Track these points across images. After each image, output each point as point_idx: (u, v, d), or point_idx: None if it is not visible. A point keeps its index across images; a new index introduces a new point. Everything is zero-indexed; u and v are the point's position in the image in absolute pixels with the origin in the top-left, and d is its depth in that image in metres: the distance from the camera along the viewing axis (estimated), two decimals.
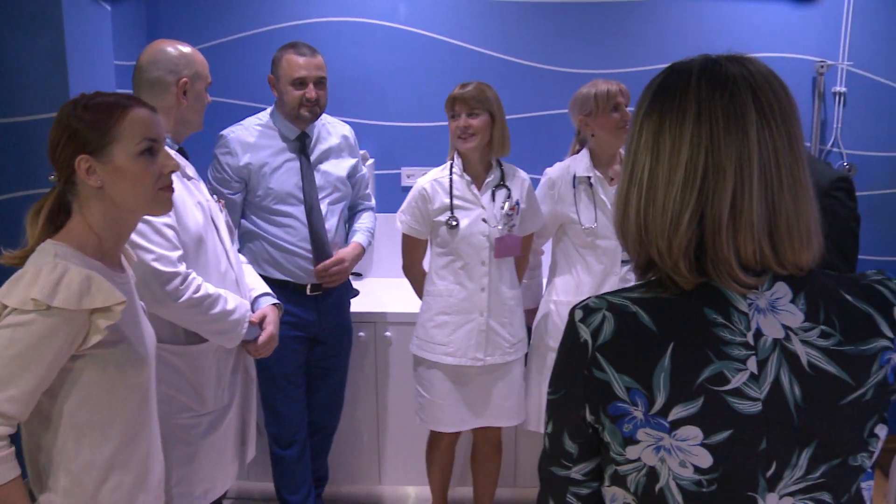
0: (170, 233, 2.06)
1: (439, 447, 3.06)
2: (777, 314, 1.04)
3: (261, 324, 2.34)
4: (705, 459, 1.01)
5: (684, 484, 1.02)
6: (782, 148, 1.02)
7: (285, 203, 2.85)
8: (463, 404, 2.89)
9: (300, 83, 2.80)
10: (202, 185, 2.33)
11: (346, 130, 3.12)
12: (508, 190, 2.85)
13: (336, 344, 3.10)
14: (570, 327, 1.07)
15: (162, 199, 1.64)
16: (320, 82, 2.85)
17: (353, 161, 3.08)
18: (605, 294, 1.08)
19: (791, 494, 1.04)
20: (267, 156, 2.84)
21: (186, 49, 2.29)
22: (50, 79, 2.67)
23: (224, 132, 2.89)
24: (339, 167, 3.01)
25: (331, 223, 2.95)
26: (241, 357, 2.33)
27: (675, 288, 1.05)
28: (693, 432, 1.01)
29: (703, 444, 1.01)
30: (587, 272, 2.88)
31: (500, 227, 2.80)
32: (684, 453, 1.01)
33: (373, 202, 3.27)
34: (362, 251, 3.08)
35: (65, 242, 1.52)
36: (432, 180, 2.84)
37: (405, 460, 3.42)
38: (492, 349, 2.83)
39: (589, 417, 1.07)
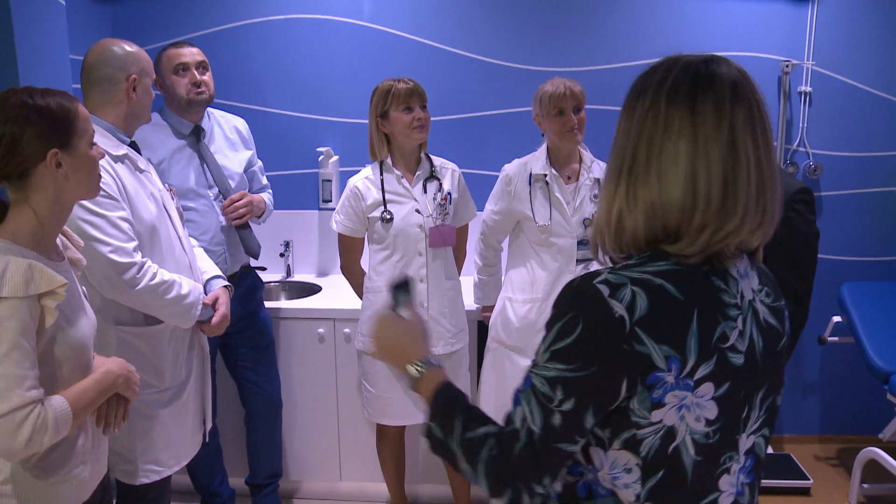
0: (125, 225, 2.20)
1: (387, 437, 3.11)
2: (748, 279, 1.20)
3: (214, 305, 2.48)
4: (712, 411, 1.12)
5: (697, 437, 1.12)
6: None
7: (185, 198, 2.88)
8: (408, 397, 2.91)
9: (183, 69, 2.87)
10: (153, 176, 2.44)
11: (239, 123, 3.17)
12: (439, 181, 2.90)
13: (252, 334, 3.13)
14: (598, 302, 1.08)
15: (99, 184, 1.81)
16: (202, 66, 2.92)
17: (248, 153, 3.15)
18: (613, 269, 1.13)
19: (753, 433, 1.20)
20: (164, 153, 2.88)
21: (132, 48, 2.38)
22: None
23: None
24: (234, 161, 3.06)
25: None
26: (195, 335, 2.49)
27: (680, 260, 1.13)
28: (708, 388, 1.11)
29: (712, 398, 1.12)
30: (542, 269, 2.88)
31: (434, 218, 2.84)
32: (700, 409, 1.11)
33: (270, 192, 3.30)
34: (265, 204, 3.14)
35: (0, 237, 1.62)
36: (364, 178, 2.88)
37: (365, 456, 3.42)
38: (435, 340, 2.87)
39: (622, 391, 1.09)
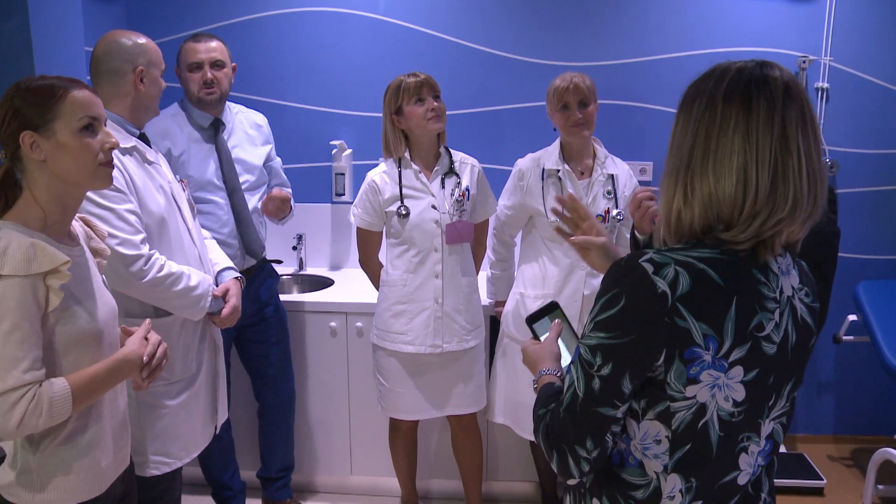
0: (132, 217, 2.20)
1: (399, 431, 3.11)
2: (789, 277, 1.29)
3: (224, 297, 2.49)
4: (740, 394, 1.23)
5: (723, 415, 1.23)
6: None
7: (205, 190, 2.90)
8: (421, 392, 2.92)
9: (197, 67, 2.89)
10: (163, 168, 2.44)
11: (260, 118, 3.19)
12: (458, 177, 2.87)
13: (266, 327, 3.14)
14: (642, 278, 1.18)
15: (102, 174, 1.74)
16: (217, 65, 2.92)
17: (267, 148, 3.17)
18: (659, 251, 1.23)
19: (774, 419, 1.30)
20: (183, 143, 2.90)
21: (141, 39, 2.38)
22: (16, 63, 2.67)
23: None
24: (253, 154, 3.08)
25: (250, 209, 3.03)
26: (207, 328, 2.49)
27: (727, 249, 1.23)
28: (738, 371, 1.22)
29: (741, 381, 1.22)
30: (554, 264, 2.87)
31: (450, 214, 2.82)
32: (730, 389, 1.22)
33: (289, 188, 3.32)
34: (289, 196, 3.19)
35: (8, 220, 1.64)
36: (381, 172, 2.87)
37: (376, 451, 3.42)
38: (448, 336, 2.86)
39: (659, 360, 1.20)
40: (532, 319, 1.61)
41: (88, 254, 1.81)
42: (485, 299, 3.13)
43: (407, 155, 2.85)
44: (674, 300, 1.17)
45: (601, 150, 2.89)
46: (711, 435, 1.23)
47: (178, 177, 2.53)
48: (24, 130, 1.62)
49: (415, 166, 2.84)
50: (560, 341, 1.53)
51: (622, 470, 1.30)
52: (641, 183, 3.14)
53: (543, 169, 2.87)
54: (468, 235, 2.88)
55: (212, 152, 2.93)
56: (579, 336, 1.35)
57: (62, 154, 1.65)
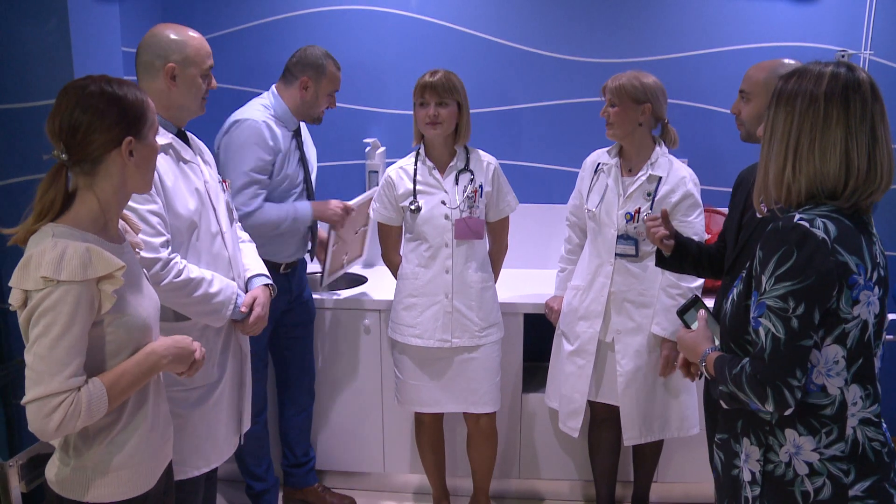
0: (154, 220, 2.14)
1: (423, 426, 3.14)
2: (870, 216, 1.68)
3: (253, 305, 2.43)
4: (877, 308, 1.59)
5: (873, 327, 1.58)
6: None
7: (295, 187, 3.05)
8: (434, 385, 2.96)
9: (335, 92, 3.09)
10: (201, 168, 2.37)
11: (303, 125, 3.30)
12: (472, 174, 2.89)
13: (302, 312, 3.24)
14: (804, 233, 1.51)
15: (151, 179, 1.83)
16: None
17: (314, 151, 3.35)
18: (803, 211, 1.56)
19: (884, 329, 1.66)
20: (283, 146, 2.98)
21: (185, 34, 2.30)
22: (55, 65, 2.72)
23: (251, 121, 2.88)
24: (314, 156, 3.28)
25: None
26: (232, 335, 2.41)
27: (840, 209, 1.58)
28: (877, 290, 1.58)
29: (878, 298, 1.58)
30: (588, 257, 2.94)
31: (461, 210, 2.85)
32: (873, 305, 1.57)
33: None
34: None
35: (62, 223, 1.65)
36: (398, 168, 2.95)
37: (409, 448, 3.43)
38: (459, 331, 2.89)
39: (835, 291, 1.52)
40: (682, 312, 1.91)
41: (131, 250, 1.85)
42: (503, 298, 3.12)
43: (423, 151, 2.92)
44: (832, 242, 1.51)
45: (657, 151, 2.84)
46: (872, 346, 1.58)
47: (219, 178, 2.49)
48: (126, 136, 1.66)
49: (429, 163, 2.89)
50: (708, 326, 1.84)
51: (807, 397, 1.58)
52: None
53: (599, 162, 2.92)
54: (479, 232, 2.91)
55: (296, 153, 3.07)
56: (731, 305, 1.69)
57: (147, 158, 1.75)
